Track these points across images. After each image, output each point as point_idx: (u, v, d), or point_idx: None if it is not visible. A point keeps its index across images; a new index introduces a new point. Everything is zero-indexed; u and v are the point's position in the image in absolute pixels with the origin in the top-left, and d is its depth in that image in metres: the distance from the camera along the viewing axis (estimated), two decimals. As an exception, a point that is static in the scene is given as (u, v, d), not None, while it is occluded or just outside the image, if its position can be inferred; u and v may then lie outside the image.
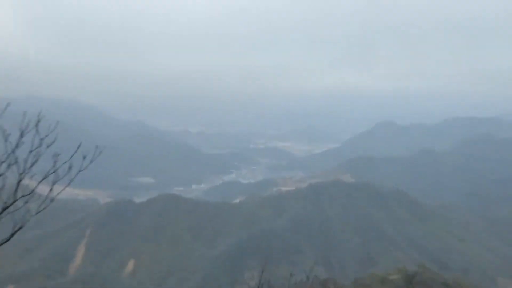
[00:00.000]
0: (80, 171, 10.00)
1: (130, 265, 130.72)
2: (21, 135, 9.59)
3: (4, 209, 9.04)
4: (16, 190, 9.15)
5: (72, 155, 10.04)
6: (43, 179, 9.47)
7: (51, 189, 9.51)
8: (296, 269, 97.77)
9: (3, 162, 9.17)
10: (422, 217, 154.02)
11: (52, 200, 9.60)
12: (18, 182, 9.18)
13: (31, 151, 9.40)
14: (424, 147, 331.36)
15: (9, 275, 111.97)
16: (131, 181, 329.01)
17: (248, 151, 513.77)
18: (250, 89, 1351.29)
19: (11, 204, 9.04)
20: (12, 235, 9.07)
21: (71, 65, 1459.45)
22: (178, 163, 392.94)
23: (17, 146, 9.36)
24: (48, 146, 9.68)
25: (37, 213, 9.72)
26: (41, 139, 9.56)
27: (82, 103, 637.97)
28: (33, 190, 9.59)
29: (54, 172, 9.37)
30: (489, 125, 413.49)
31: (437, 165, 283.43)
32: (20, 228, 9.24)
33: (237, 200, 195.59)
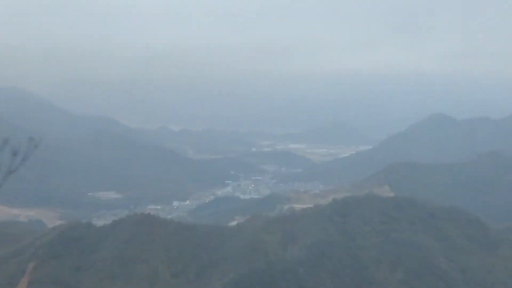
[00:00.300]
0: (11, 171, 9.65)
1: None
2: None
3: None
4: None
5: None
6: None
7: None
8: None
9: None
10: (486, 245, 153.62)
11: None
12: None
13: None
14: (489, 150, 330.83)
15: None
16: (90, 197, 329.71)
17: (250, 157, 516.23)
18: (254, 74, 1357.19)
19: None
20: None
21: (12, 44, 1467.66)
22: (155, 172, 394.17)
23: None
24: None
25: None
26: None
27: (27, 93, 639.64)
28: None
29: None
30: None
31: (506, 174, 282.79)
32: None
33: (234, 223, 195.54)
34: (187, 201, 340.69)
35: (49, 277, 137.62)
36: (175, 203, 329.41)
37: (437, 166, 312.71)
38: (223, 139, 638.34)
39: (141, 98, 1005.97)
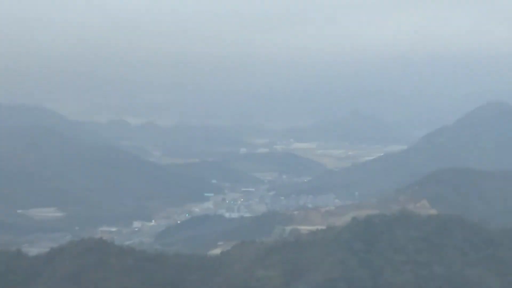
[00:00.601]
0: None
1: None
2: None
3: None
4: None
5: None
6: None
7: None
8: None
9: None
10: None
11: None
12: None
13: None
14: None
15: None
16: (19, 216, 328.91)
17: (238, 160, 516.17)
18: (246, 49, 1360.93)
19: None
20: None
21: None
22: (107, 181, 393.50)
23: None
24: None
25: None
26: None
27: None
28: None
29: None
30: None
31: None
32: None
33: (217, 251, 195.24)
34: (153, 221, 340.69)
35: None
36: (136, 224, 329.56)
37: (497, 173, 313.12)
38: (201, 136, 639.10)
39: (87, 80, 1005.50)
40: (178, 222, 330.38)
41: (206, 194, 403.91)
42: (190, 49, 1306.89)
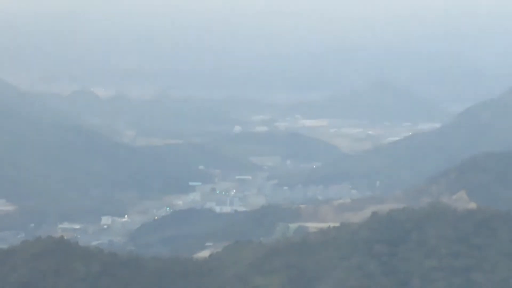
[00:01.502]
0: None
1: None
2: None
3: None
4: None
5: None
6: None
7: None
8: None
9: None
10: None
11: None
12: None
13: None
14: None
15: None
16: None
17: (232, 142, 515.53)
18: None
19: None
20: None
21: None
22: (69, 168, 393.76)
23: None
24: None
25: None
26: None
27: None
28: None
29: None
30: None
31: None
32: None
33: (205, 254, 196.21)
34: (125, 216, 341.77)
35: None
36: (105, 220, 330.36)
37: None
38: (185, 111, 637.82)
39: (44, 43, 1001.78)
40: (157, 218, 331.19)
41: (191, 184, 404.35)
42: (169, 3, 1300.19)
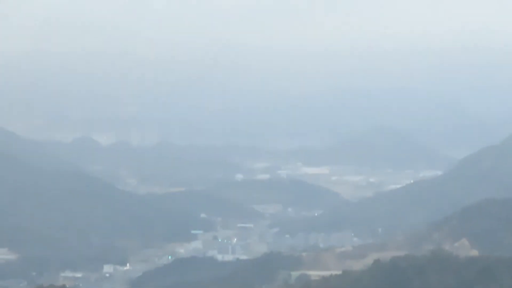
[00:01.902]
0: None
1: None
2: None
3: None
4: None
5: None
6: None
7: None
8: None
9: None
10: None
11: None
12: None
13: None
14: None
15: None
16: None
17: (234, 189, 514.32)
18: (243, 46, 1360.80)
19: None
20: None
21: None
22: (71, 216, 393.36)
23: None
24: None
25: None
26: None
27: None
28: None
29: None
30: None
31: None
32: None
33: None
34: (127, 264, 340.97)
35: None
36: (107, 269, 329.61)
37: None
38: (187, 159, 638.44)
39: (46, 91, 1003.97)
40: (159, 266, 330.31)
41: (193, 232, 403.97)
42: (171, 53, 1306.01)
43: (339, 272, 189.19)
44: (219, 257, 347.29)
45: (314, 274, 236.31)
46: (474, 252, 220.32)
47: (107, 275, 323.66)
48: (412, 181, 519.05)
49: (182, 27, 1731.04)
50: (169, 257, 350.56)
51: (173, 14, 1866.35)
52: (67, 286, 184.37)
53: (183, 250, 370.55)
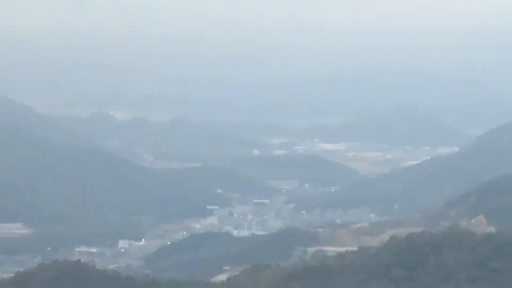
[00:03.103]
0: None
1: None
2: None
3: None
4: None
5: None
6: None
7: None
8: None
9: None
10: None
11: None
12: None
13: None
14: None
15: None
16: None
17: (250, 165, 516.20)
18: (259, 25, 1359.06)
19: None
20: None
21: None
22: (87, 191, 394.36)
23: None
24: None
25: None
26: None
27: None
28: None
29: None
30: None
31: None
32: None
33: (222, 277, 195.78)
34: (143, 240, 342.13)
35: None
36: (123, 244, 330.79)
37: None
38: (204, 135, 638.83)
39: (60, 64, 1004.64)
40: (174, 241, 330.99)
41: (209, 207, 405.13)
42: (188, 32, 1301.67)
43: (355, 249, 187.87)
44: (235, 232, 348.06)
45: (330, 250, 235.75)
46: (491, 229, 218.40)
47: (122, 250, 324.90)
48: (429, 158, 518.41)
49: (209, 5, 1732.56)
50: (185, 232, 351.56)
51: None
52: (82, 261, 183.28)
53: (198, 225, 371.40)
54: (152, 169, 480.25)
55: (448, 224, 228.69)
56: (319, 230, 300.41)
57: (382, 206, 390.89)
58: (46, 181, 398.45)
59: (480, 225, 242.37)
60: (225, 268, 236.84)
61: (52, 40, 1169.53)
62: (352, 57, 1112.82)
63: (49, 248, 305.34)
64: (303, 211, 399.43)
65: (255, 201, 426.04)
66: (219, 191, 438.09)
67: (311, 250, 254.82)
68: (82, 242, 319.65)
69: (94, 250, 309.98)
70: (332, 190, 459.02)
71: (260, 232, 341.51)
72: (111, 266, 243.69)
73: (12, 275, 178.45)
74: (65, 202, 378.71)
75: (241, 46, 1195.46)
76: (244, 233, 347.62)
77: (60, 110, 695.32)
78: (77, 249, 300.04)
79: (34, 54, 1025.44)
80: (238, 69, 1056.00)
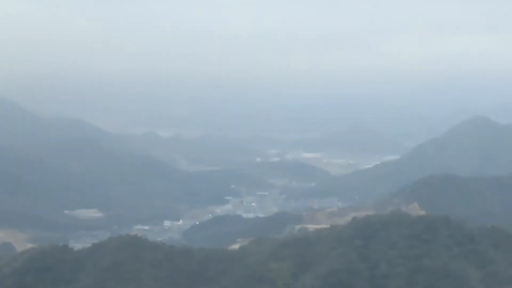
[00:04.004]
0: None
1: None
2: None
3: None
4: None
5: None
6: None
7: None
8: None
9: None
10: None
11: None
12: None
13: None
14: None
15: None
16: (66, 216, 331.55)
17: (254, 168, 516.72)
18: (260, 70, 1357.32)
19: None
20: None
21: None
22: (141, 186, 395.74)
23: None
24: None
25: None
26: None
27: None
28: None
29: None
30: None
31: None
32: None
33: (236, 246, 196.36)
34: (180, 220, 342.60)
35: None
36: (166, 223, 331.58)
37: (480, 179, 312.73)
38: (222, 147, 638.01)
39: (122, 96, 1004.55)
40: (202, 221, 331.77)
41: (226, 197, 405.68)
42: (209, 73, 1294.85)
43: (328, 226, 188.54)
44: (244, 215, 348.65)
45: (311, 227, 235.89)
46: (422, 212, 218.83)
47: (166, 227, 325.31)
48: (379, 163, 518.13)
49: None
50: (210, 215, 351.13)
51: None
52: (138, 235, 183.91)
53: (219, 210, 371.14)
54: (186, 171, 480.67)
55: (392, 208, 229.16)
56: (303, 213, 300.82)
57: (346, 196, 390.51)
58: (113, 179, 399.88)
59: (415, 209, 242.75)
60: (237, 240, 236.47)
61: (113, 77, 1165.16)
62: (322, 89, 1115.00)
63: (115, 226, 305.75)
64: (292, 200, 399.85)
65: (258, 193, 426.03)
66: (233, 186, 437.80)
67: (297, 227, 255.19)
68: (139, 222, 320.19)
69: (146, 227, 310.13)
70: (312, 185, 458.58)
71: (262, 215, 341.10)
72: (159, 239, 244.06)
73: (90, 245, 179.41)
74: (126, 194, 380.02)
75: (248, 82, 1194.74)
76: (251, 215, 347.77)
77: (122, 130, 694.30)
78: (135, 227, 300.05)
79: (104, 89, 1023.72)
80: (244, 97, 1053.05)
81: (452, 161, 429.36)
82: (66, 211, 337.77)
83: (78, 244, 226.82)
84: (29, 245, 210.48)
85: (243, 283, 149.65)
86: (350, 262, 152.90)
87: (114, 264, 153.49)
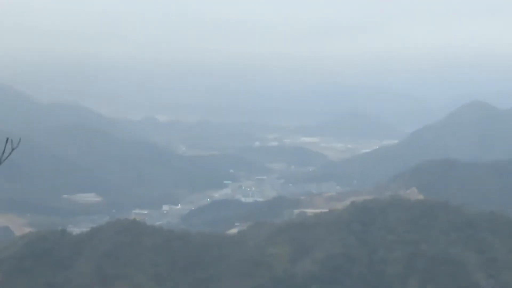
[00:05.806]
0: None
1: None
2: None
3: None
4: None
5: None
6: None
7: None
8: None
9: None
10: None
11: None
12: None
13: None
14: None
15: None
16: (65, 200, 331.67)
17: (253, 153, 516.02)
18: (259, 56, 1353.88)
19: None
20: None
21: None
22: (140, 171, 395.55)
23: None
24: None
25: None
26: None
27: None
28: None
29: None
30: None
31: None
32: None
33: (234, 231, 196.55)
34: (179, 205, 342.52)
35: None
36: (165, 208, 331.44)
37: (479, 164, 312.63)
38: (220, 132, 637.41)
39: (120, 81, 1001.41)
40: (201, 205, 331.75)
41: (224, 182, 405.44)
42: (209, 59, 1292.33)
43: (326, 210, 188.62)
44: (243, 199, 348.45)
45: (309, 211, 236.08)
46: (420, 197, 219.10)
47: (165, 212, 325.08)
48: (377, 147, 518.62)
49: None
50: (208, 199, 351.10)
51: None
52: (137, 219, 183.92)
53: (217, 194, 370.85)
54: (184, 156, 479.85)
55: (391, 193, 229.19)
56: (301, 197, 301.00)
57: (345, 181, 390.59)
58: (111, 164, 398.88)
59: (413, 194, 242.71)
60: (236, 224, 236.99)
61: (115, 63, 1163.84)
62: (322, 75, 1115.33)
63: (114, 211, 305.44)
64: (290, 184, 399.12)
65: (256, 177, 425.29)
66: (231, 170, 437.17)
67: (296, 211, 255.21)
68: (137, 206, 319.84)
69: (145, 212, 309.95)
70: (310, 170, 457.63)
71: (260, 199, 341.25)
72: (157, 223, 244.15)
73: (88, 229, 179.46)
74: (125, 178, 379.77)
75: (248, 69, 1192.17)
76: (249, 199, 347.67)
77: (120, 115, 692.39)
78: (133, 211, 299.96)
79: (104, 75, 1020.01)
80: (243, 85, 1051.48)
81: (450, 146, 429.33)
82: (64, 196, 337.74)
83: (77, 229, 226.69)
84: (28, 230, 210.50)
85: (242, 267, 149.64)
86: (348, 246, 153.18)
87: (113, 248, 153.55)
